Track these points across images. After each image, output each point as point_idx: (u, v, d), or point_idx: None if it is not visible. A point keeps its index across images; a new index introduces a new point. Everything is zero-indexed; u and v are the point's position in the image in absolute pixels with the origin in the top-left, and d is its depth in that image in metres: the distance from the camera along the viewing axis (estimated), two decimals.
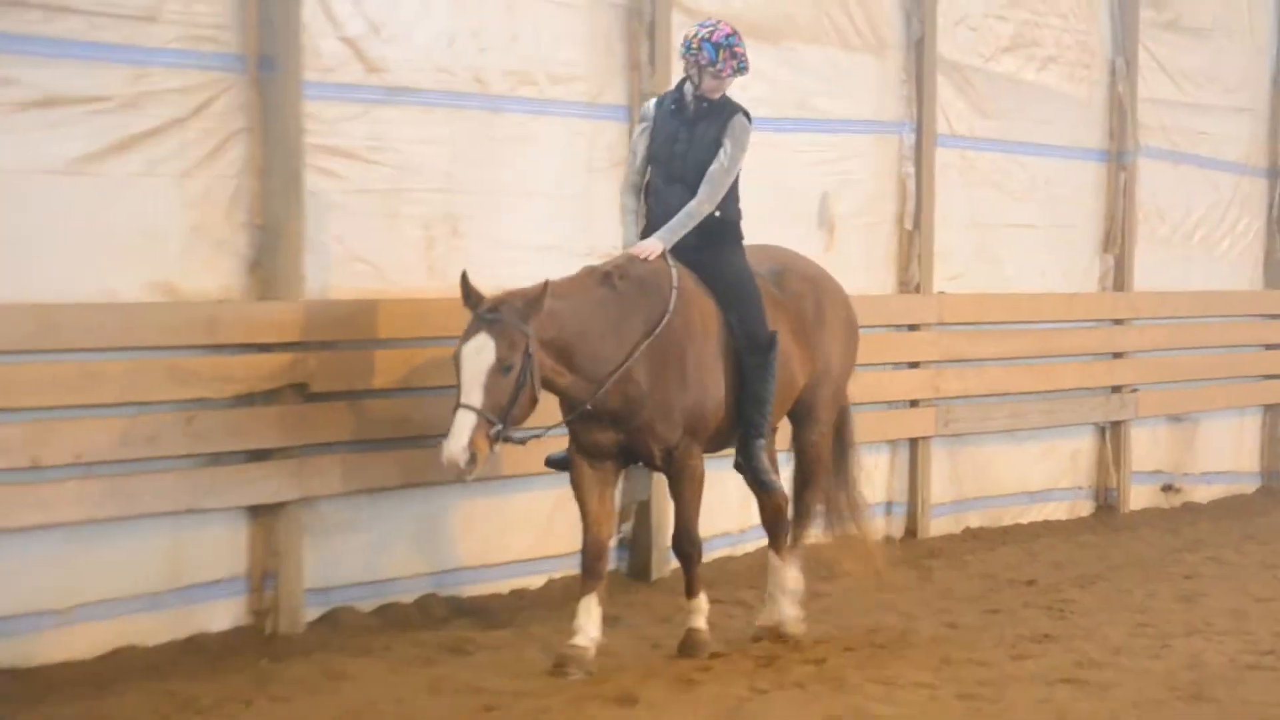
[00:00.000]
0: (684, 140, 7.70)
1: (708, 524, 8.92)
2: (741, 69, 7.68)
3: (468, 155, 8.64)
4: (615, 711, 6.77)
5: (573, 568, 7.78)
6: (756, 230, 8.08)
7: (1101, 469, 12.59)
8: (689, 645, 7.72)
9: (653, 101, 8.00)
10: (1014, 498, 11.96)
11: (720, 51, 7.59)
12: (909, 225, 10.98)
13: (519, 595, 8.86)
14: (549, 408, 7.48)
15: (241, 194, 7.77)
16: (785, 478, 8.32)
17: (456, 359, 7.01)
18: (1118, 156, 12.43)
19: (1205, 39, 13.16)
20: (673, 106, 7.79)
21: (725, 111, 7.71)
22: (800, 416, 8.27)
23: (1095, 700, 7.08)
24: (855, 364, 8.65)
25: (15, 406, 6.99)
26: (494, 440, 7.00)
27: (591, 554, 7.52)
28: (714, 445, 7.85)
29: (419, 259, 8.44)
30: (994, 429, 11.63)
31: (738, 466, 7.91)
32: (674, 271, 7.59)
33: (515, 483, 8.66)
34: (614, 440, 7.51)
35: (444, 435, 6.93)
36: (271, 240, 7.83)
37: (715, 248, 7.76)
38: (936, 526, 11.27)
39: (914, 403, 11.10)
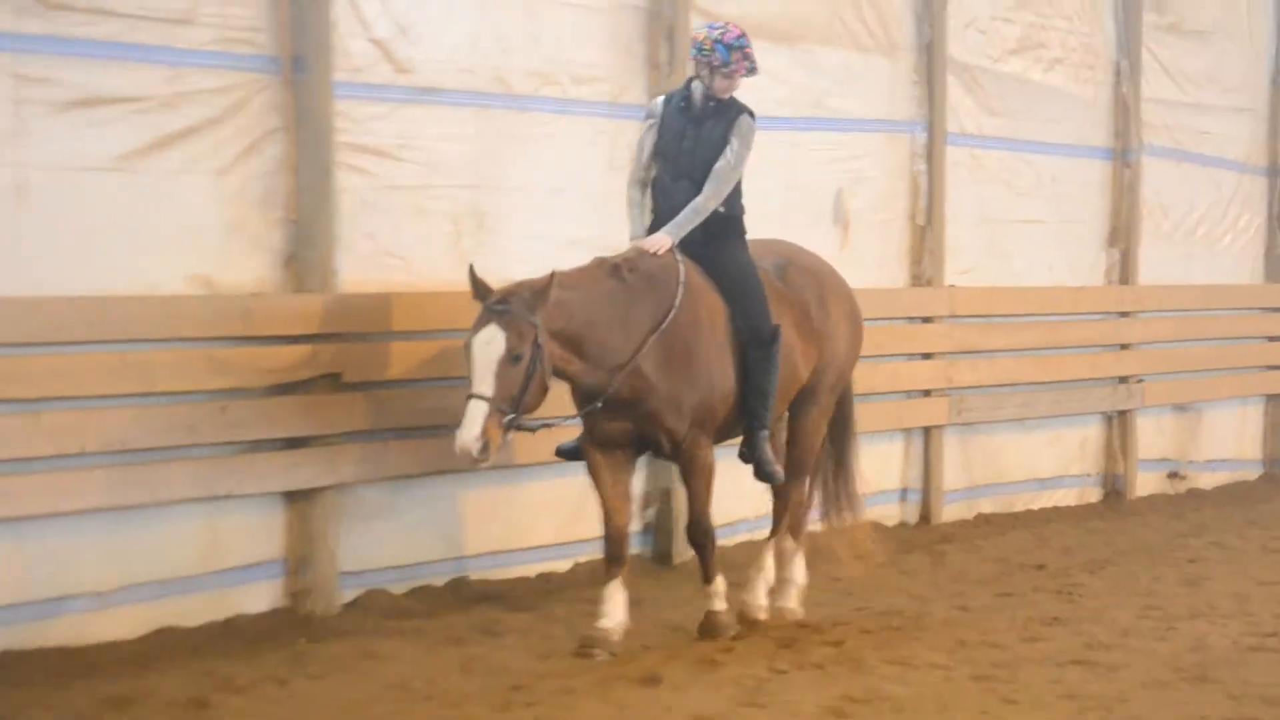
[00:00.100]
0: (691, 138, 7.76)
1: (731, 510, 9.02)
2: (752, 70, 7.77)
3: (494, 153, 8.72)
4: (639, 691, 6.84)
5: (598, 552, 7.79)
6: (775, 227, 8.15)
7: (1109, 457, 12.69)
8: (709, 627, 7.81)
9: (660, 99, 8.03)
10: (1024, 484, 12.04)
11: (733, 53, 7.68)
12: (921, 221, 11.08)
13: (546, 579, 8.94)
14: (562, 396, 7.55)
15: (276, 190, 7.85)
16: None
17: (467, 350, 7.05)
18: (1122, 155, 12.52)
19: (1206, 41, 13.24)
20: (681, 104, 7.84)
21: (732, 111, 7.77)
22: (798, 404, 8.31)
23: (1104, 681, 7.15)
24: (859, 356, 8.68)
25: (65, 395, 7.08)
26: (506, 429, 7.04)
27: (613, 540, 7.60)
28: (722, 435, 7.89)
29: (446, 253, 8.49)
30: (1005, 418, 11.71)
31: (742, 457, 7.96)
32: (681, 266, 7.64)
33: (541, 470, 8.69)
34: (625, 429, 7.57)
35: (457, 425, 6.98)
36: (304, 235, 7.90)
37: (719, 242, 7.81)
38: (950, 512, 11.35)
39: (927, 393, 11.19)
